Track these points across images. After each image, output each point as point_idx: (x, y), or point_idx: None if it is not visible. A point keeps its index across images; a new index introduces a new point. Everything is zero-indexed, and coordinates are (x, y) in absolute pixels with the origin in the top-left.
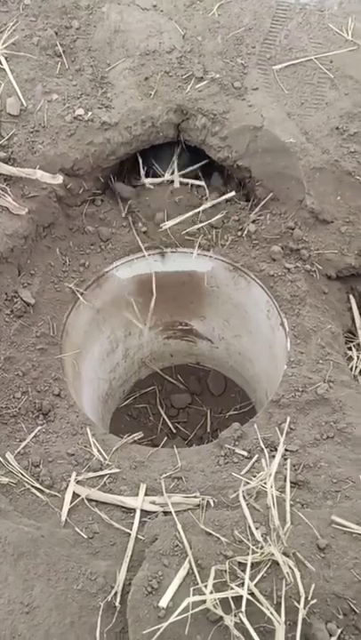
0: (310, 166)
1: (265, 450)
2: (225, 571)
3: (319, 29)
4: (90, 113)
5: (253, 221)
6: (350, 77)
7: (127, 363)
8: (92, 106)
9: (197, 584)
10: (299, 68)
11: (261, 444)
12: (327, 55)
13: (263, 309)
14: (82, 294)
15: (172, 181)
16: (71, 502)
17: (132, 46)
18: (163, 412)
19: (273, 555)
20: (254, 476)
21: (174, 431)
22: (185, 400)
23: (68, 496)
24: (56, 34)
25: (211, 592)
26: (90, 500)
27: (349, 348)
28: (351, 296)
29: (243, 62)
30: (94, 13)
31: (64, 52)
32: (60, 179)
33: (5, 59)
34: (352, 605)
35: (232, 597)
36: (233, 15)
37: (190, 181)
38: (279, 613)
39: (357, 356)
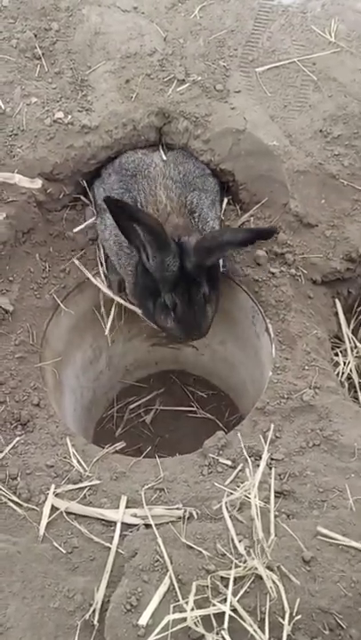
0: (294, 169)
1: (249, 459)
2: (207, 586)
3: (302, 31)
4: (70, 116)
5: (240, 226)
6: (334, 79)
7: (111, 371)
8: (72, 109)
9: (178, 600)
10: (282, 71)
11: (245, 453)
12: (310, 57)
13: (248, 315)
14: (62, 301)
15: None
16: (50, 516)
17: (113, 49)
18: (148, 421)
19: (256, 569)
20: (238, 486)
21: (159, 440)
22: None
23: (47, 509)
24: (35, 36)
25: (192, 609)
26: (69, 514)
27: (336, 354)
28: (337, 300)
29: (225, 65)
30: (74, 15)
31: (43, 54)
32: (38, 183)
33: None
34: (338, 620)
35: (214, 614)
36: (215, 17)
37: None
38: (263, 630)
39: (344, 362)
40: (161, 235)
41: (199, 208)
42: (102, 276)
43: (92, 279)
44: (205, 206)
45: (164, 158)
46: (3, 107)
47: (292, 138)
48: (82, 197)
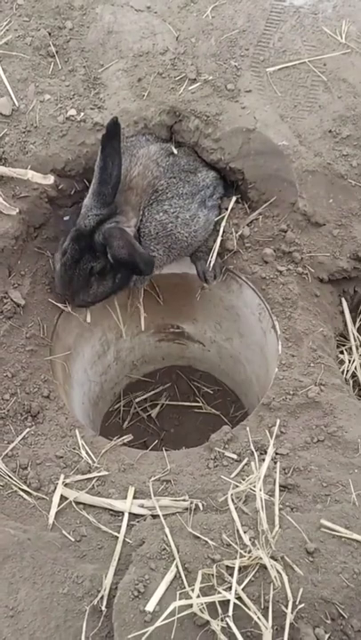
0: (303, 169)
1: (255, 453)
2: (212, 575)
3: (313, 32)
4: (82, 114)
5: (248, 224)
6: (344, 80)
7: (118, 365)
8: (85, 106)
9: (184, 588)
10: (292, 71)
11: (252, 447)
12: (321, 58)
13: (255, 312)
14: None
15: None
16: (59, 505)
17: (126, 47)
18: (154, 415)
19: (261, 558)
20: (244, 480)
21: (165, 434)
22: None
23: (56, 499)
24: (49, 34)
25: (198, 596)
26: (78, 503)
27: (341, 352)
28: (343, 299)
29: (236, 64)
30: (88, 14)
31: (57, 52)
32: (51, 179)
33: None
34: (340, 610)
35: (219, 601)
36: (227, 17)
37: None
38: (266, 618)
39: (349, 360)
40: (106, 188)
41: (165, 190)
42: None
43: None
44: (177, 194)
45: (175, 152)
46: (17, 103)
47: (301, 138)
48: None
